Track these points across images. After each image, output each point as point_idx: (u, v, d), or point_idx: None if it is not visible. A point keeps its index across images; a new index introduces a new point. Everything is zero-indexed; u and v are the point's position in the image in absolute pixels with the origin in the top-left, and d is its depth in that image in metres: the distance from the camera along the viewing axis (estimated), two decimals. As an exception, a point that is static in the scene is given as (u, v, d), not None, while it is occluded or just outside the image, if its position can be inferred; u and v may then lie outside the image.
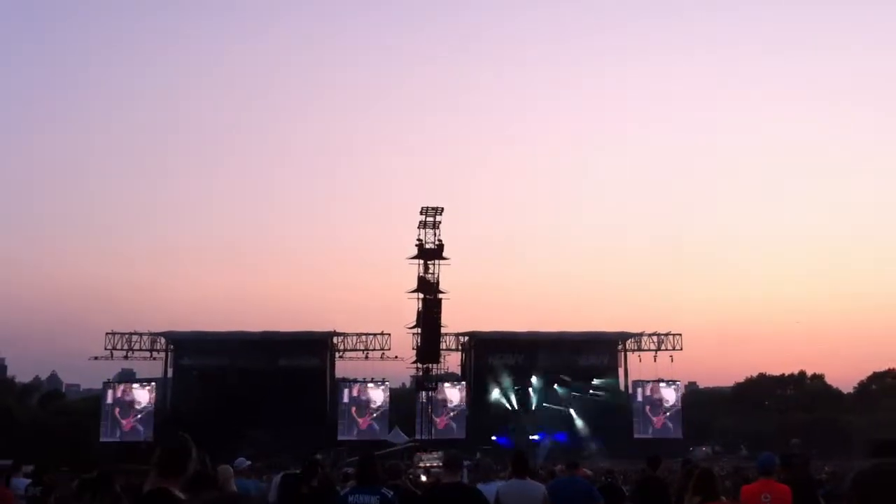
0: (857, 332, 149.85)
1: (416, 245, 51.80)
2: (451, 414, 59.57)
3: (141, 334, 59.14)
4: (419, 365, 52.99)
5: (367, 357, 59.86)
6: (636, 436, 59.57)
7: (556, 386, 61.43)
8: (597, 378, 62.98)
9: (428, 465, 31.99)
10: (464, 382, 61.78)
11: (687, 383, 74.45)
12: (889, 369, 75.69)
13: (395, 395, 63.68)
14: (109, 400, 57.76)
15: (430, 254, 51.64)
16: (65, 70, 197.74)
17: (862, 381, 78.06)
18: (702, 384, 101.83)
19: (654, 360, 62.27)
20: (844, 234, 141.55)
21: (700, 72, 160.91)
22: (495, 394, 61.63)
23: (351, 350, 60.86)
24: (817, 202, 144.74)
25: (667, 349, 62.29)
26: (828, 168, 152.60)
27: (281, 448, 39.20)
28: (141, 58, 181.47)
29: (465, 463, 10.85)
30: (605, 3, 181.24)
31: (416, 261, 51.80)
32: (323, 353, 61.71)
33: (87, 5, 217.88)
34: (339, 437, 55.80)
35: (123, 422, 57.09)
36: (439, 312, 51.51)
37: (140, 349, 59.21)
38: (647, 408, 61.81)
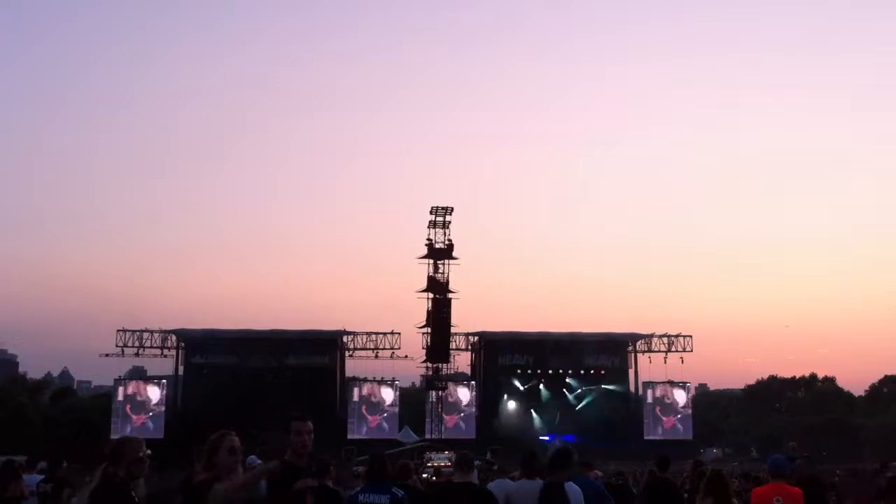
0: (870, 334, 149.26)
1: (426, 245, 51.89)
2: (461, 414, 59.56)
3: (152, 332, 59.46)
4: (429, 364, 52.99)
5: (376, 356, 60.05)
6: (647, 437, 59.39)
7: (566, 387, 61.32)
8: (607, 379, 62.87)
9: (438, 464, 31.86)
10: (473, 382, 61.70)
11: (697, 385, 74.28)
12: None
13: (405, 395, 63.74)
14: (120, 397, 58.08)
15: (439, 253, 51.65)
16: (72, 71, 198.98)
17: (873, 384, 77.62)
18: (713, 386, 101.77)
19: (665, 362, 62.22)
20: (856, 237, 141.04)
21: (701, 71, 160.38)
22: (505, 394, 61.56)
23: (361, 349, 61.01)
24: (827, 204, 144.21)
25: (677, 351, 62.14)
26: (834, 168, 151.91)
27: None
28: (145, 58, 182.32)
29: (476, 463, 10.83)
30: (605, 3, 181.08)
31: (426, 260, 51.87)
32: (333, 352, 61.81)
33: (88, 6, 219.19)
34: (349, 436, 55.89)
35: (134, 418, 57.40)
36: (449, 312, 51.50)
37: (151, 346, 59.53)
38: (658, 409, 61.61)
